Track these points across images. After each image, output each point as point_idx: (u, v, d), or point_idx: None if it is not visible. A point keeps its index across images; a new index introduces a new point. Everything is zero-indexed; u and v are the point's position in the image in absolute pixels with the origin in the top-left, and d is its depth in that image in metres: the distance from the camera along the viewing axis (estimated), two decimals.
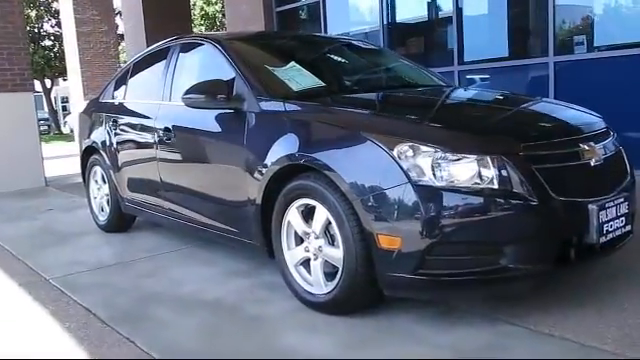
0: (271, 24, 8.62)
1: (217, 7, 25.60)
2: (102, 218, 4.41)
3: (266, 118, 2.71)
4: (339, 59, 3.62)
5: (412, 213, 2.11)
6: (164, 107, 3.51)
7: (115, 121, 4.04)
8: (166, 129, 3.37)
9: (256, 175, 2.69)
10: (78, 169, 4.96)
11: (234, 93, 2.85)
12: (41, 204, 5.90)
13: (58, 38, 22.86)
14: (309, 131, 2.53)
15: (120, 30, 19.18)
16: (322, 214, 2.40)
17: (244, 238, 2.92)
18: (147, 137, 3.61)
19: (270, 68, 3.09)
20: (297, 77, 2.94)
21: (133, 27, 13.06)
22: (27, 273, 3.43)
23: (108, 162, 4.15)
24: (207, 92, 2.84)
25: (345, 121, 2.48)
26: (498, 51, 6.20)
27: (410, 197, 2.10)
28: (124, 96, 4.14)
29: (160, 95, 3.57)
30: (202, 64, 3.36)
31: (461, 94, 3.52)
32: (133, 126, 3.84)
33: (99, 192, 4.43)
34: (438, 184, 2.10)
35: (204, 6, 25.03)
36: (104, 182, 4.35)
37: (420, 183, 2.10)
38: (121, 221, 4.28)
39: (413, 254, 2.13)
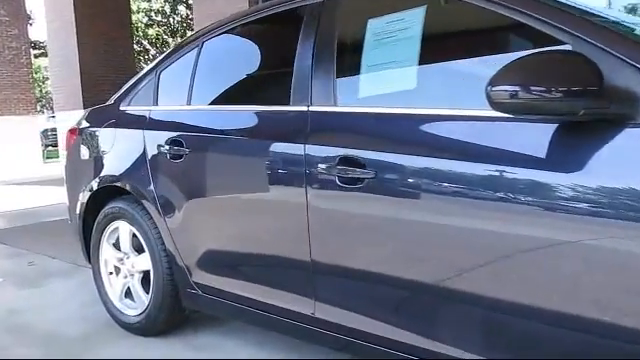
0: None
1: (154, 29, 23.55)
2: (132, 312, 2.52)
3: None
4: None
5: None
6: (319, 117, 1.79)
7: (177, 143, 2.23)
8: (344, 159, 1.66)
9: None
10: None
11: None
12: None
13: None
14: None
15: (32, 35, 16.47)
16: None
17: None
18: (279, 175, 1.88)
19: None
20: None
21: (60, 28, 10.75)
22: None
23: (155, 215, 2.31)
24: (568, 80, 1.21)
25: None
26: None
27: None
28: (189, 99, 2.33)
29: (302, 95, 1.85)
30: (436, 33, 1.66)
31: None
32: (232, 154, 2.07)
33: (124, 266, 2.56)
34: None
35: None
36: (135, 250, 2.50)
37: None
38: (172, 318, 2.44)
39: None
